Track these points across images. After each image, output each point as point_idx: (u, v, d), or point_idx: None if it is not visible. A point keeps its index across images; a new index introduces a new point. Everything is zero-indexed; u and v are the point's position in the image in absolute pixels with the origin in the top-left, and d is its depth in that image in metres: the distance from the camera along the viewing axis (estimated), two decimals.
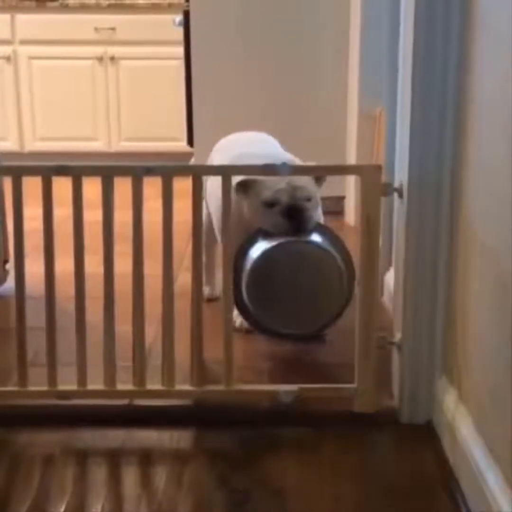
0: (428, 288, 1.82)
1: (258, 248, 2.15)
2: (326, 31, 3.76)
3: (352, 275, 2.14)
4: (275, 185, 2.17)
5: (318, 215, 2.26)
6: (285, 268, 2.12)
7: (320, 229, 2.20)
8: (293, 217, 2.16)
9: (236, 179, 2.11)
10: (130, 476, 1.73)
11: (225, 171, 1.91)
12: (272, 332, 2.22)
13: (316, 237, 2.17)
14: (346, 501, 1.61)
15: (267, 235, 2.17)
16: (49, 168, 1.84)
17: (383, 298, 2.42)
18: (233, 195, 2.13)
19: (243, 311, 2.20)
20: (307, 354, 2.27)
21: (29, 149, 5.04)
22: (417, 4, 1.71)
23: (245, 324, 2.36)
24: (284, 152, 2.42)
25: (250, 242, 2.18)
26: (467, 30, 1.64)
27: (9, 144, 4.89)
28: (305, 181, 2.20)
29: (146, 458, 1.77)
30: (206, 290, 2.54)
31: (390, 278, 2.32)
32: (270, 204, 2.17)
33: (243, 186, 2.18)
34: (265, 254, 2.12)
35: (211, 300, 2.54)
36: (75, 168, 1.84)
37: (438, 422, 1.80)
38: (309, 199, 2.19)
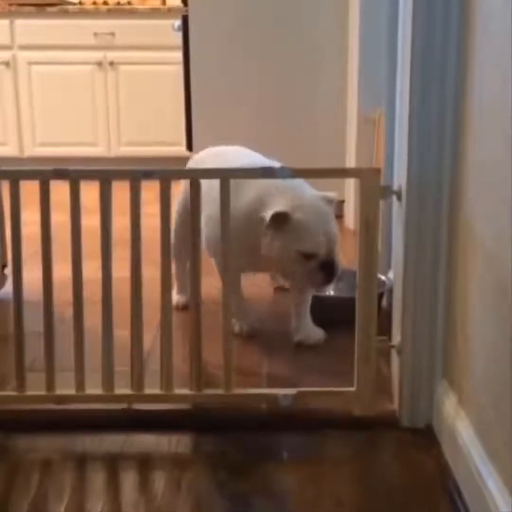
0: (427, 291, 1.81)
1: None
2: (325, 35, 3.76)
3: None
4: (314, 235, 2.12)
5: None
6: None
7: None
8: (327, 270, 2.15)
9: (271, 208, 2.10)
10: (128, 481, 1.72)
11: (224, 174, 1.90)
12: None
13: None
14: (346, 505, 1.60)
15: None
16: (47, 172, 1.84)
17: (383, 302, 2.41)
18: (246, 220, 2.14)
19: None
20: (306, 357, 2.27)
21: (28, 154, 5.05)
22: (416, 7, 1.71)
23: (245, 329, 2.36)
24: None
25: None
26: (466, 32, 1.64)
27: (9, 149, 4.90)
28: (336, 227, 2.19)
29: (145, 463, 1.77)
30: (176, 298, 2.47)
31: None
32: (308, 256, 2.13)
33: (279, 221, 2.10)
34: None
35: (186, 308, 2.37)
36: (72, 172, 1.83)
37: (438, 425, 1.79)
38: (337, 251, 2.19)
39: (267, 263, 2.24)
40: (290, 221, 2.11)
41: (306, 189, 2.23)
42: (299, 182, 2.22)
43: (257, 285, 2.49)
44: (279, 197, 2.14)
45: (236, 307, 2.33)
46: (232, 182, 1.86)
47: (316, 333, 2.35)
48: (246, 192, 2.18)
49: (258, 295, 2.55)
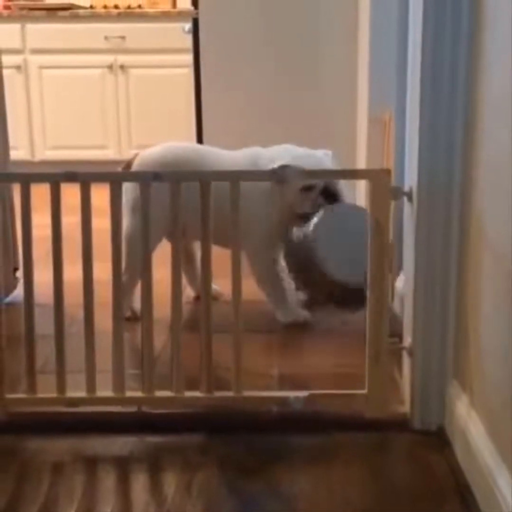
0: (438, 292, 1.80)
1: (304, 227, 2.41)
2: (335, 37, 3.76)
3: None
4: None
5: None
6: (335, 226, 2.40)
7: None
8: (330, 195, 2.40)
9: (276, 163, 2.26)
10: (139, 483, 1.72)
11: (234, 177, 1.90)
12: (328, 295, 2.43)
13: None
14: (357, 507, 1.60)
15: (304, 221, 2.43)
16: (57, 175, 1.84)
17: (394, 304, 2.40)
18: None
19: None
20: (317, 359, 2.26)
21: (39, 157, 5.07)
22: (426, 8, 1.70)
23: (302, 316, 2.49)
24: None
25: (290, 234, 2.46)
26: (476, 33, 1.63)
27: (20, 153, 4.91)
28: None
29: (156, 465, 1.76)
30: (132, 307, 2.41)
31: (400, 283, 2.30)
32: (309, 188, 2.37)
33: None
34: (320, 220, 2.39)
35: (131, 319, 2.31)
36: (83, 175, 1.84)
37: (450, 427, 1.79)
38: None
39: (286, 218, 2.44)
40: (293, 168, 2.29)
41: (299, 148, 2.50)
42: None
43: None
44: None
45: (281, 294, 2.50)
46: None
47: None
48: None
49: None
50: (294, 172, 1.90)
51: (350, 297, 2.39)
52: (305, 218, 2.40)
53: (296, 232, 2.44)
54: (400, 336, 1.95)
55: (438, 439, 1.81)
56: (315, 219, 2.40)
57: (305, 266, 2.44)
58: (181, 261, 1.90)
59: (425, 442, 1.82)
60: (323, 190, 2.39)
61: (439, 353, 1.83)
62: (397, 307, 2.37)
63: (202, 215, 1.87)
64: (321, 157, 2.45)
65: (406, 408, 1.90)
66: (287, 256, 2.49)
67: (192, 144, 2.83)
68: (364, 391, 1.87)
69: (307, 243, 2.40)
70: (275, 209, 2.42)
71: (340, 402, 1.91)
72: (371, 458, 1.79)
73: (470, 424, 1.64)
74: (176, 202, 1.85)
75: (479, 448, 1.55)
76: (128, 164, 2.57)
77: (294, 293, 2.51)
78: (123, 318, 1.91)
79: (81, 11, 5.03)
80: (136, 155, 2.62)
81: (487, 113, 1.57)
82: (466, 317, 1.73)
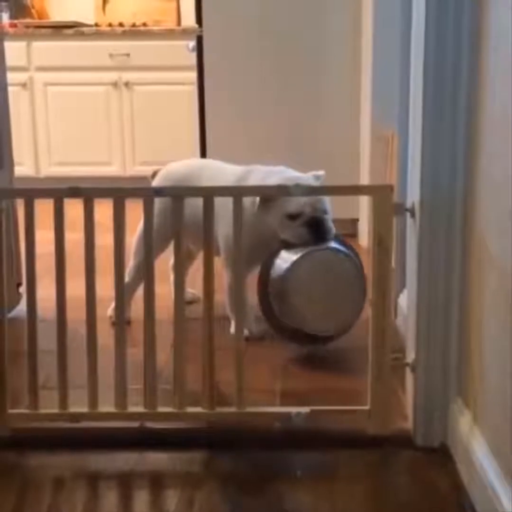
0: (441, 308, 1.80)
1: (286, 259, 2.29)
2: (339, 55, 3.78)
3: (365, 282, 2.30)
4: (297, 198, 2.27)
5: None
6: (314, 274, 2.27)
7: (338, 239, 2.37)
8: (315, 228, 2.29)
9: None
10: (141, 499, 1.71)
11: (237, 192, 1.90)
12: (293, 335, 2.34)
13: (337, 246, 2.33)
14: None
15: (288, 247, 2.31)
16: (61, 191, 1.85)
17: (397, 321, 2.40)
18: (253, 212, 2.27)
19: (269, 316, 2.34)
20: (320, 375, 2.26)
21: (44, 174, 5.08)
22: (427, 27, 1.72)
23: (254, 332, 2.42)
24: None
25: (274, 254, 2.33)
26: (477, 50, 1.64)
27: (25, 169, 4.93)
28: (325, 199, 2.35)
29: (158, 481, 1.76)
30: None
31: (404, 300, 2.31)
32: (294, 217, 2.28)
33: (266, 201, 2.30)
34: (296, 264, 2.26)
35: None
36: (86, 190, 1.84)
37: (453, 444, 1.78)
38: (326, 212, 2.33)
39: (271, 242, 2.35)
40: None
41: (291, 171, 2.44)
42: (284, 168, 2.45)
43: None
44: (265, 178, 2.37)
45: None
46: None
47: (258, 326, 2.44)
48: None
49: None
50: (299, 189, 1.91)
51: (311, 340, 2.34)
52: (287, 245, 2.31)
53: (276, 259, 2.31)
54: (403, 352, 1.95)
55: (441, 456, 1.80)
56: (293, 258, 2.27)
57: (274, 297, 2.31)
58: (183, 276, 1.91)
59: (427, 458, 1.81)
60: (309, 221, 2.29)
61: (442, 369, 1.82)
62: (400, 323, 2.37)
63: (204, 231, 1.88)
64: (309, 182, 2.32)
65: (408, 424, 1.90)
66: (260, 278, 2.36)
67: (208, 160, 2.96)
68: (367, 407, 1.86)
69: (279, 280, 2.28)
70: (257, 227, 2.29)
71: (342, 418, 1.91)
72: (374, 475, 1.79)
73: (473, 441, 1.63)
74: (178, 216, 1.85)
75: (482, 465, 1.54)
76: (155, 173, 2.68)
77: (255, 307, 2.42)
78: (124, 333, 1.91)
79: (86, 29, 5.06)
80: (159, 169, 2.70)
81: (490, 129, 1.57)
82: (469, 334, 1.73)
